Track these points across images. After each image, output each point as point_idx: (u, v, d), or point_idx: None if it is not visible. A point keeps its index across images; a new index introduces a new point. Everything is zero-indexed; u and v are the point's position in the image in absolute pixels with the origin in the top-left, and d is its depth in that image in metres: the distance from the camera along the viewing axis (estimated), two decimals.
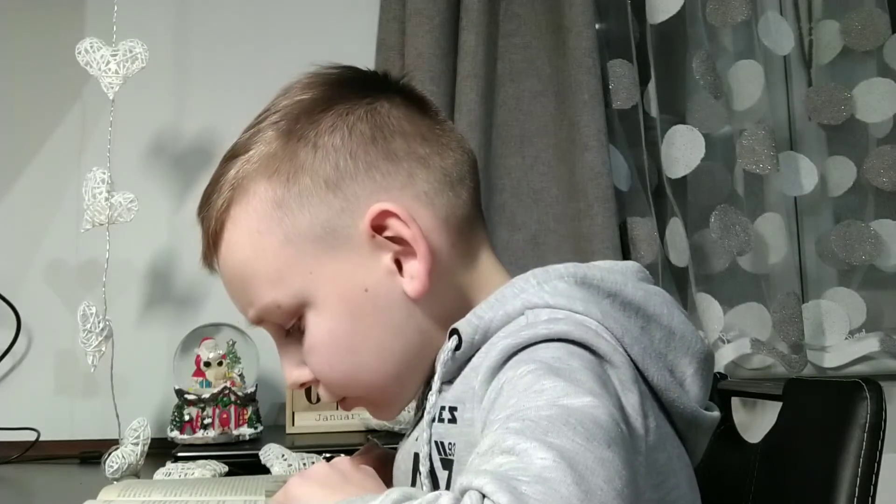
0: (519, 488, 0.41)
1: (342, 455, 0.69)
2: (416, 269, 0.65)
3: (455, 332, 0.62)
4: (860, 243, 1.58)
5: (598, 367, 0.55)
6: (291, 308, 0.66)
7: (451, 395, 0.62)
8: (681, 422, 0.63)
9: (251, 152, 0.67)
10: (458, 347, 0.62)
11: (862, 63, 1.65)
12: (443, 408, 0.62)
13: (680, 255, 1.53)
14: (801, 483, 0.71)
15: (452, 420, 0.61)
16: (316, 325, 0.66)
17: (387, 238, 0.65)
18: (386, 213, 0.65)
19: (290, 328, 0.68)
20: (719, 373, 0.89)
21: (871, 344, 1.56)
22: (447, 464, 0.60)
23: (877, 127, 1.62)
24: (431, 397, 0.62)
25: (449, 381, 0.63)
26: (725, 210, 1.51)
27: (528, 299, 0.61)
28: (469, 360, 0.62)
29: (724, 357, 1.49)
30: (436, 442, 0.61)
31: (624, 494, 0.44)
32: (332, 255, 0.65)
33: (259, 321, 0.69)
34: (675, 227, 1.54)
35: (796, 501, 0.71)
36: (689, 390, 0.64)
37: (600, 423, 0.48)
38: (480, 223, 0.72)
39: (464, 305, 0.67)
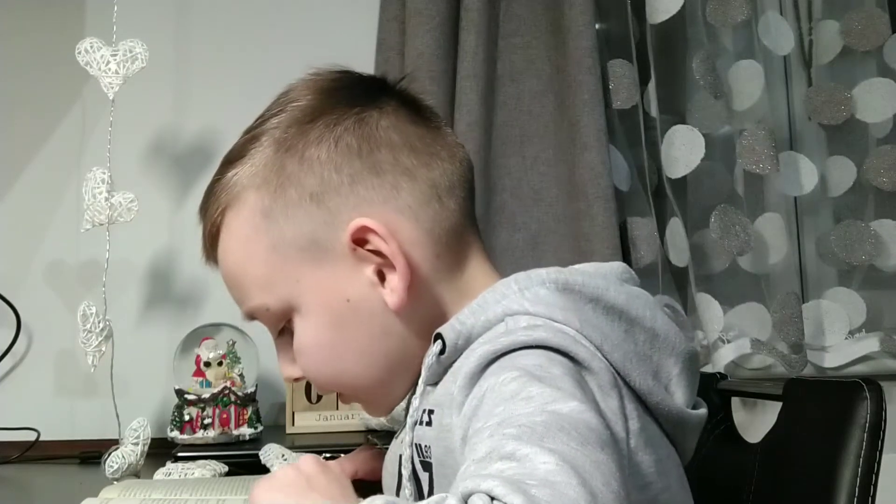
0: (529, 491, 0.41)
1: (311, 456, 0.67)
2: (395, 282, 0.66)
3: (439, 336, 0.63)
4: (860, 243, 1.58)
5: (576, 373, 0.55)
6: (279, 312, 0.69)
7: (431, 399, 0.63)
8: (667, 423, 0.63)
9: (244, 160, 0.70)
10: (442, 352, 0.62)
11: (862, 63, 1.65)
12: (424, 410, 0.62)
13: (680, 255, 1.53)
14: (801, 483, 0.71)
15: (429, 423, 0.61)
16: (302, 330, 0.69)
17: (369, 251, 0.67)
18: (365, 229, 0.66)
19: (281, 329, 0.71)
20: (719, 373, 0.89)
21: (871, 344, 1.56)
22: (427, 465, 0.61)
23: (877, 127, 1.62)
24: (415, 401, 0.63)
25: (434, 384, 0.64)
26: (725, 210, 1.51)
27: (509, 306, 0.62)
28: (451, 364, 0.63)
29: (724, 357, 1.49)
30: (416, 444, 0.62)
31: (620, 496, 0.44)
32: (317, 265, 0.67)
33: (251, 319, 0.72)
34: (675, 227, 1.54)
35: (796, 501, 0.71)
36: (676, 391, 0.64)
37: (591, 426, 0.48)
38: (471, 231, 0.72)
39: (460, 301, 0.68)
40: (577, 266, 0.67)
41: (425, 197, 0.68)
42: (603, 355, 0.58)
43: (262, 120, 0.71)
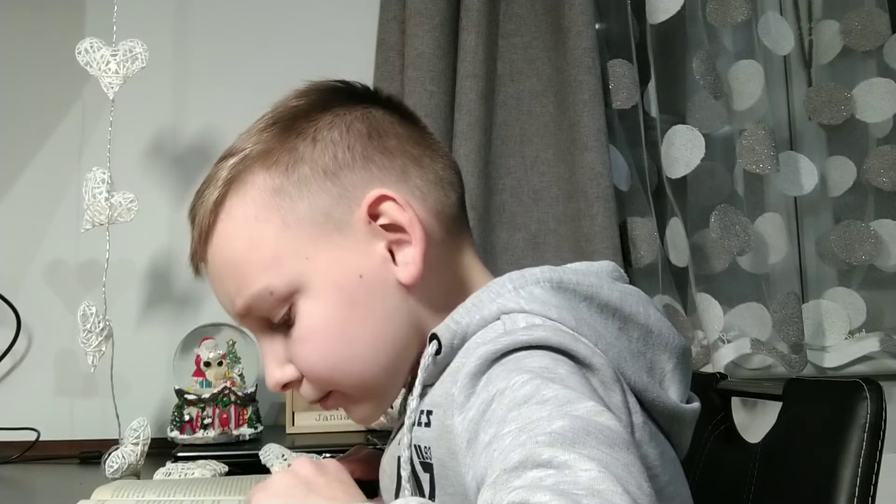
0: (581, 501, 0.41)
1: (303, 457, 0.67)
2: (410, 255, 0.67)
3: (435, 336, 0.63)
4: (860, 243, 1.58)
5: (579, 372, 0.55)
6: (284, 294, 0.67)
7: (429, 399, 0.62)
8: (662, 419, 0.63)
9: (247, 149, 0.69)
10: (438, 352, 0.62)
11: (862, 63, 1.65)
12: (422, 412, 0.62)
13: (680, 255, 1.53)
14: (801, 483, 0.71)
15: (428, 424, 0.61)
16: (309, 313, 0.67)
17: (381, 227, 0.67)
18: (383, 198, 0.67)
19: (278, 320, 0.68)
20: (719, 373, 0.89)
21: (871, 344, 1.56)
22: (427, 467, 0.61)
23: (877, 127, 1.62)
24: (412, 402, 0.62)
25: (430, 384, 0.63)
26: (725, 210, 1.51)
27: (505, 304, 0.62)
28: (448, 364, 0.63)
29: (724, 357, 1.49)
30: (415, 446, 0.61)
31: (652, 496, 0.44)
32: (329, 241, 0.67)
33: (246, 312, 0.69)
34: (675, 227, 1.54)
35: (796, 501, 0.71)
36: (670, 386, 0.65)
37: (612, 427, 0.48)
38: (466, 227, 0.74)
39: (459, 291, 0.68)
40: (569, 265, 0.67)
41: (432, 183, 0.70)
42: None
43: (260, 120, 0.72)
